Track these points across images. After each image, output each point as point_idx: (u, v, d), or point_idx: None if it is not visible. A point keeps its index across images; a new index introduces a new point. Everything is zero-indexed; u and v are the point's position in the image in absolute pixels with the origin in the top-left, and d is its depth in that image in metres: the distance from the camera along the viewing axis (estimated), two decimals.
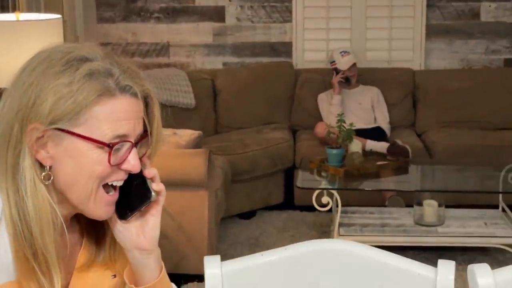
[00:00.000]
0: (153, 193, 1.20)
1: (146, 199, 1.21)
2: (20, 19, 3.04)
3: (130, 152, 1.17)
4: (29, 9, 4.41)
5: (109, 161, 1.15)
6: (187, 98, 5.23)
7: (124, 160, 1.17)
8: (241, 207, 4.72)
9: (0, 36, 2.87)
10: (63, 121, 1.13)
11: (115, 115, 1.15)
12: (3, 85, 2.42)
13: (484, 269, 1.25)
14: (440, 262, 1.29)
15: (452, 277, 1.27)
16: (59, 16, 3.08)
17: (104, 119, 1.14)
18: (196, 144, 3.77)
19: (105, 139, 1.14)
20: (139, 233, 1.23)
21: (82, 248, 1.28)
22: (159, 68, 5.59)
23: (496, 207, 4.22)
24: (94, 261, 1.28)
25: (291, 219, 4.71)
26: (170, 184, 3.33)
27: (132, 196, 1.21)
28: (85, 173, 1.15)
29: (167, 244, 3.58)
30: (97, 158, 1.15)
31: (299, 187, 4.07)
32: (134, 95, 1.17)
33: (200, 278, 3.62)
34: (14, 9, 4.09)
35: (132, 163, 1.17)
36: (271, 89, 5.40)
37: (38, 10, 4.59)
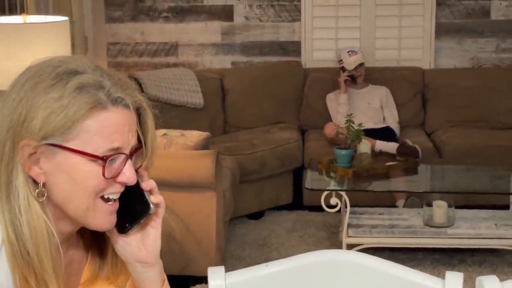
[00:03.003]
0: (151, 206, 1.18)
1: (145, 212, 1.19)
2: (27, 21, 3.04)
3: (125, 164, 1.15)
4: (38, 10, 4.41)
5: (103, 174, 1.13)
6: (196, 98, 5.22)
7: (119, 172, 1.15)
8: (250, 208, 4.71)
9: (6, 39, 2.86)
10: (54, 136, 1.11)
11: (108, 128, 1.13)
12: None
13: (493, 281, 1.23)
14: (448, 274, 1.27)
15: None
16: (66, 18, 3.08)
17: (96, 132, 1.12)
18: (204, 145, 3.76)
19: (98, 153, 1.12)
20: (140, 246, 1.21)
21: (88, 262, 1.27)
22: (167, 67, 5.58)
23: (506, 207, 4.19)
24: (98, 275, 1.26)
25: (300, 219, 4.69)
26: (178, 185, 3.36)
27: (131, 209, 1.19)
28: (80, 187, 1.13)
29: (175, 246, 3.57)
30: (91, 172, 1.13)
31: (307, 189, 4.05)
32: (126, 106, 1.15)
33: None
34: (22, 10, 4.09)
35: (127, 175, 1.15)
36: (279, 88, 5.39)
37: (46, 11, 4.59)
